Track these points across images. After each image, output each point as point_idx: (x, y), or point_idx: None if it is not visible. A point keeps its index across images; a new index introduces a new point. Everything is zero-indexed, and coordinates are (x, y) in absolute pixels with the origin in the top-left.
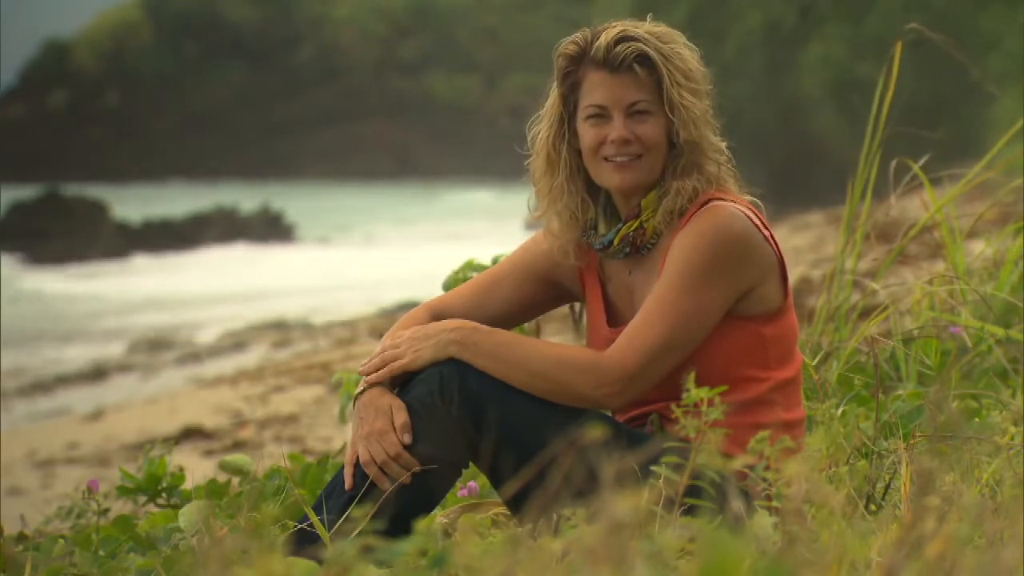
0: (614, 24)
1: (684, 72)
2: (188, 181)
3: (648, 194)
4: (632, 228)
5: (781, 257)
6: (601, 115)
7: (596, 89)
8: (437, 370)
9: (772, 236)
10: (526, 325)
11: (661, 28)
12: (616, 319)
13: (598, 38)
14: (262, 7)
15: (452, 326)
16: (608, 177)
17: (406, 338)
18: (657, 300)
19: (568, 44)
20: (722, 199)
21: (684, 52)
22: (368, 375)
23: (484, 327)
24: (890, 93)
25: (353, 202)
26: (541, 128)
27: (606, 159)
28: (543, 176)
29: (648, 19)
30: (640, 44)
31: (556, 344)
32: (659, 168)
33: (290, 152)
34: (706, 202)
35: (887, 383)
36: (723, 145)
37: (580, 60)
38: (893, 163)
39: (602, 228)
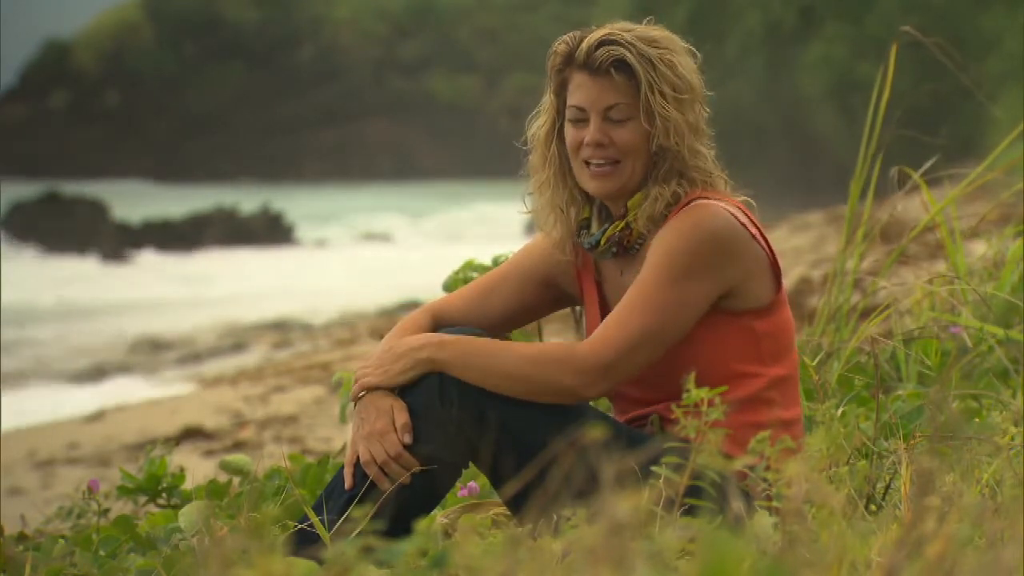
0: (605, 26)
1: (668, 79)
2: (188, 181)
3: (635, 195)
4: (618, 228)
5: (773, 255)
6: (581, 117)
7: (577, 91)
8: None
9: (762, 234)
10: (527, 327)
11: (656, 32)
12: None
13: (584, 40)
14: (262, 7)
15: (418, 344)
16: (587, 182)
17: (375, 357)
18: (635, 293)
19: (559, 43)
20: (707, 198)
21: (675, 59)
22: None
23: (450, 337)
24: (886, 95)
25: (353, 202)
26: (538, 123)
27: (585, 163)
28: (537, 170)
29: (645, 22)
30: (620, 49)
31: (528, 344)
32: (640, 173)
33: (290, 152)
34: (691, 201)
35: (887, 383)
36: (711, 154)
37: (569, 60)
38: (895, 170)
39: (595, 227)
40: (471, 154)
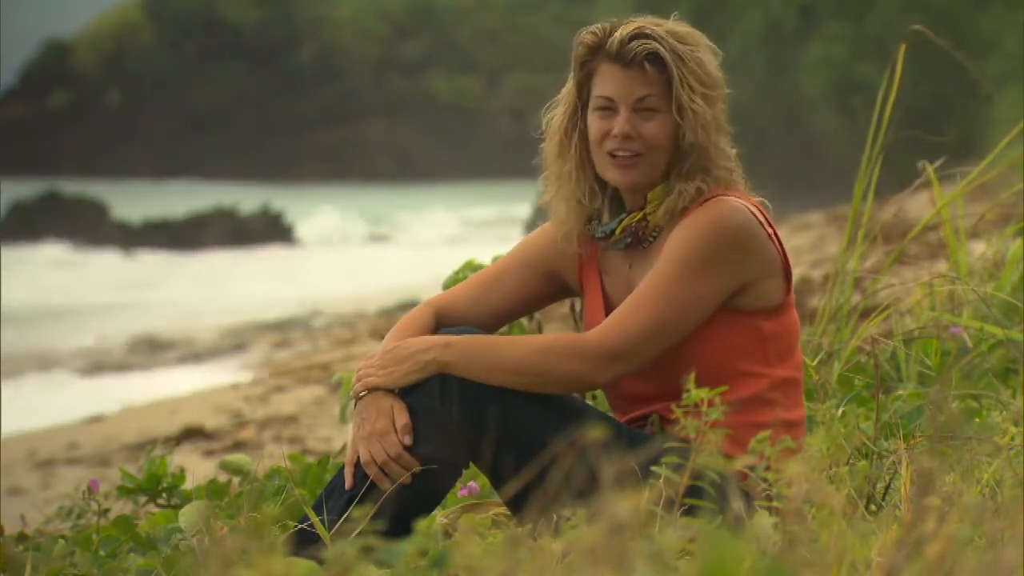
0: (635, 20)
1: (697, 75)
2: (188, 181)
3: (655, 188)
4: (635, 219)
5: (785, 256)
6: (608, 108)
7: (606, 81)
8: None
9: (776, 235)
10: (526, 325)
11: (684, 29)
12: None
13: (615, 31)
14: (262, 7)
15: (424, 346)
16: (609, 172)
17: (379, 356)
18: (650, 284)
19: (587, 33)
20: (727, 195)
21: (702, 56)
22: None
23: (455, 337)
24: (893, 94)
25: (353, 203)
26: (556, 113)
27: (609, 154)
28: (554, 161)
29: (672, 17)
30: (654, 43)
31: (534, 336)
32: (662, 168)
33: (290, 152)
34: (711, 197)
35: (887, 383)
36: (734, 152)
37: (596, 51)
38: (921, 163)
39: (606, 218)
40: (471, 154)
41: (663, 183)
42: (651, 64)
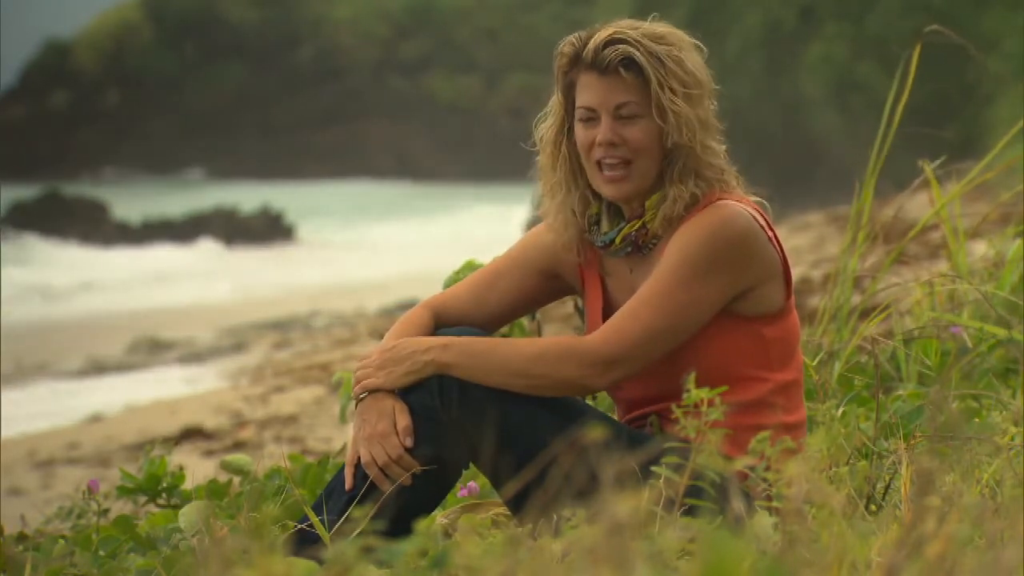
0: (611, 24)
1: (677, 75)
2: (188, 181)
3: (652, 195)
4: (635, 228)
5: (785, 259)
6: (591, 117)
7: (586, 91)
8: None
9: (776, 237)
10: (527, 325)
11: (662, 29)
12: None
13: (591, 39)
14: (262, 7)
15: (423, 346)
16: (601, 186)
17: (377, 357)
18: (650, 289)
19: (565, 44)
20: (726, 199)
21: (682, 55)
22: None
23: (455, 339)
24: (905, 96)
25: (353, 202)
26: (546, 125)
27: (598, 164)
28: (547, 172)
29: (650, 19)
30: (627, 47)
31: (532, 340)
32: (653, 173)
33: (290, 152)
34: (711, 201)
35: (887, 383)
36: (723, 149)
37: (576, 61)
38: (921, 163)
39: (604, 225)
40: (471, 154)
41: (659, 190)
42: (627, 69)
